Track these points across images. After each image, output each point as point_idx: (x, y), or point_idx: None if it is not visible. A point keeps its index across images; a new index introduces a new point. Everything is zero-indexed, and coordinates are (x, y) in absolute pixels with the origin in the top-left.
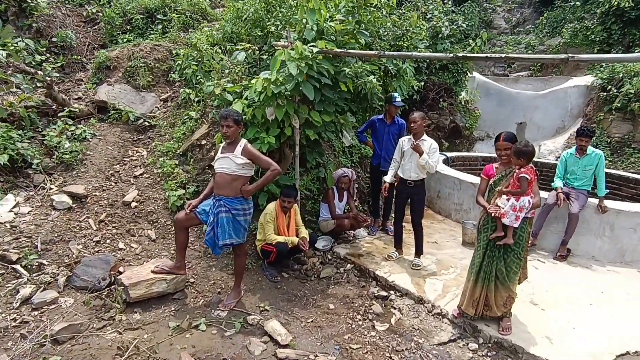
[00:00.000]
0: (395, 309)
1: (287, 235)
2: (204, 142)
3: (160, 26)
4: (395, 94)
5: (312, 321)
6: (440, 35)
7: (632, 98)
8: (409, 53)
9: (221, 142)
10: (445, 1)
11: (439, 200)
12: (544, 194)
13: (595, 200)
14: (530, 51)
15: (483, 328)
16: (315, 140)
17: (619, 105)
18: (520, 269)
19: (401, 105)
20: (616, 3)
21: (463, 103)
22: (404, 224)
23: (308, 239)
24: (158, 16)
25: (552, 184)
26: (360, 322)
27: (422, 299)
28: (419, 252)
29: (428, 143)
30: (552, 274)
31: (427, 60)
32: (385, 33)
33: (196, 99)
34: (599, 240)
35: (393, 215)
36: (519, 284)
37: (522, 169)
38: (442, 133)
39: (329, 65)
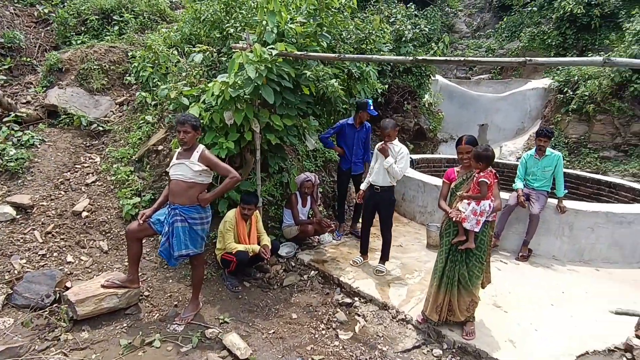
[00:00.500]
0: (359, 316)
1: (248, 243)
2: (160, 147)
3: (116, 27)
4: (370, 101)
5: (273, 332)
6: (403, 39)
7: (587, 100)
8: (370, 56)
9: (177, 148)
10: (408, 5)
11: (404, 203)
12: (505, 195)
13: (555, 201)
14: (490, 54)
15: (447, 333)
16: (277, 144)
17: (575, 107)
18: (482, 273)
19: (375, 115)
20: (569, 9)
21: (427, 106)
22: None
23: (270, 247)
24: (114, 17)
25: (513, 185)
26: (323, 332)
27: (386, 304)
28: (384, 258)
29: (397, 147)
30: (515, 275)
31: (391, 64)
32: (348, 36)
33: (153, 103)
34: (558, 240)
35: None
36: (483, 288)
37: (481, 173)
38: (407, 135)
39: (289, 68)
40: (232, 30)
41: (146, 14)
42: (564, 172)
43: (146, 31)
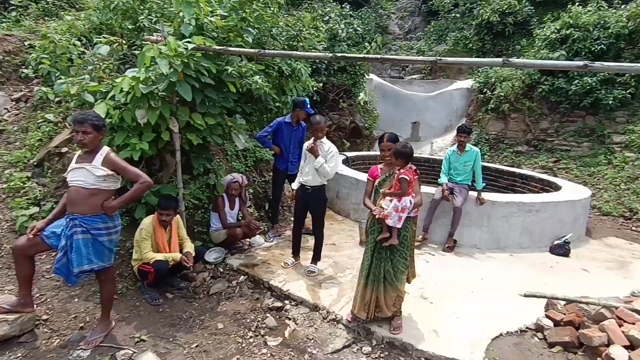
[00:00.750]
0: (290, 319)
1: (168, 251)
2: (64, 149)
3: (14, 13)
4: (307, 99)
5: (197, 346)
6: (337, 38)
7: (503, 100)
8: (290, 52)
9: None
10: (342, 5)
11: (338, 201)
12: (432, 189)
13: (475, 194)
14: (421, 56)
15: (376, 330)
16: (200, 144)
17: (493, 106)
18: (407, 268)
19: (312, 113)
20: (487, 17)
21: (362, 104)
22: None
23: (193, 254)
24: (12, 2)
25: (439, 180)
26: (251, 340)
27: (317, 306)
28: (316, 258)
29: (326, 146)
30: (441, 266)
31: (325, 62)
32: (279, 33)
33: (56, 100)
34: (479, 230)
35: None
36: (408, 282)
37: (401, 170)
38: (343, 133)
39: (209, 64)
40: (145, 22)
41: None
42: (486, 166)
43: (50, 19)
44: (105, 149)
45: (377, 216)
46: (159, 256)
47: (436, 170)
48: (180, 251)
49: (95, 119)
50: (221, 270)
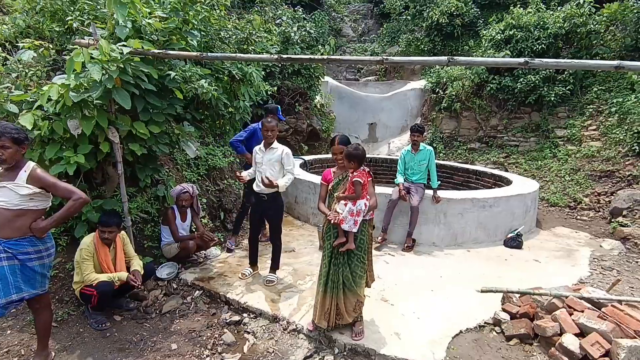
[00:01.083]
0: (249, 333)
1: (113, 271)
2: None
3: None
4: (279, 106)
5: None
6: (290, 41)
7: (454, 99)
8: (233, 55)
9: None
10: (295, 8)
11: (297, 206)
12: (389, 190)
13: (431, 192)
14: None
15: (338, 337)
16: (147, 155)
17: (445, 105)
18: (366, 272)
19: (283, 120)
20: (436, 19)
21: (319, 107)
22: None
23: (142, 272)
24: None
25: (395, 180)
26: (207, 359)
27: (276, 317)
28: (274, 267)
29: (279, 151)
30: (401, 266)
31: (279, 65)
32: (228, 36)
33: None
34: (436, 227)
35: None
36: (368, 287)
37: (354, 173)
38: (301, 137)
39: (150, 69)
40: (76, 24)
41: None
42: (441, 164)
43: None
44: (30, 165)
45: (332, 221)
46: (103, 277)
47: (394, 171)
48: (128, 270)
49: (14, 131)
50: (175, 286)
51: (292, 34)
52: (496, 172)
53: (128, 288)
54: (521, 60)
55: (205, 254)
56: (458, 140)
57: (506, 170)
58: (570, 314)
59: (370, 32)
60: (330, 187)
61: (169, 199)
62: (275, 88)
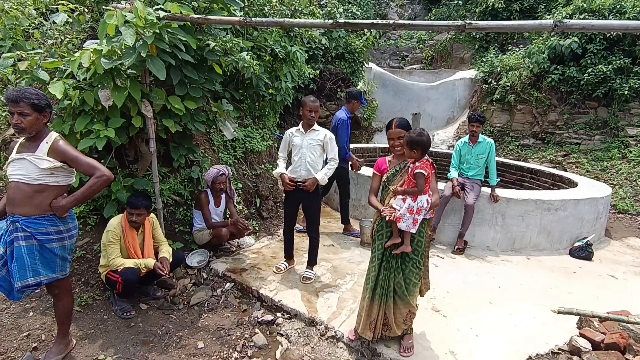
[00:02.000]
0: (282, 336)
1: (141, 256)
2: None
3: None
4: (362, 91)
5: None
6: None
7: (509, 90)
8: (281, 20)
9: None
10: None
11: (337, 197)
12: (440, 185)
13: (488, 190)
14: (421, 45)
15: (383, 351)
16: (181, 133)
17: (498, 97)
18: (420, 280)
19: (365, 104)
20: (491, 4)
21: None
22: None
23: (171, 259)
24: None
25: (448, 175)
26: None
27: (313, 320)
28: (312, 262)
29: (321, 134)
30: (452, 271)
31: (323, 48)
32: (272, 12)
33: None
34: (492, 230)
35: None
36: (421, 296)
37: (417, 163)
38: None
39: (188, 38)
40: None
41: None
42: None
43: None
44: (53, 135)
45: (387, 218)
46: (129, 262)
47: (438, 164)
48: (156, 255)
49: (34, 96)
50: (205, 276)
51: (337, 15)
52: (555, 171)
53: (155, 275)
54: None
55: (238, 242)
56: (510, 135)
57: (565, 170)
58: None
59: (418, 17)
60: (384, 178)
61: (203, 182)
62: (318, 72)
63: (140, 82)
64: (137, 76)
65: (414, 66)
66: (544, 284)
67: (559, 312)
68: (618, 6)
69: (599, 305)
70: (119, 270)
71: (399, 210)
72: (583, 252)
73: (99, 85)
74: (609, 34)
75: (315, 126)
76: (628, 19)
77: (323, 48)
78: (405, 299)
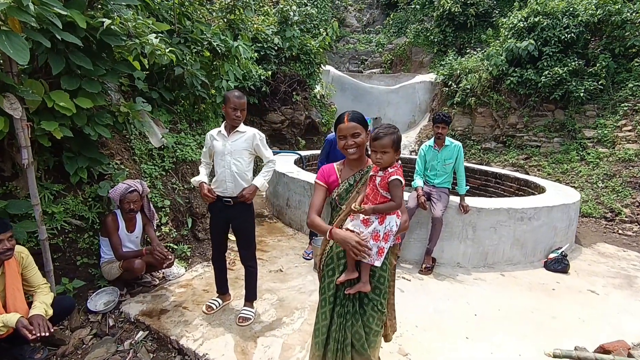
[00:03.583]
0: None
1: (1, 309)
2: None
3: None
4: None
5: None
6: (289, 21)
7: (469, 93)
8: None
9: None
10: None
11: (289, 210)
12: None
13: (456, 199)
14: (380, 49)
15: None
16: (78, 139)
17: (458, 99)
18: (382, 326)
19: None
20: (448, 8)
21: (318, 97)
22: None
23: (50, 312)
24: None
25: (412, 183)
26: None
27: None
28: (250, 298)
29: (248, 135)
30: (420, 296)
31: (276, 48)
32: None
33: None
34: (462, 244)
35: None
36: (387, 341)
37: (389, 169)
38: (298, 130)
39: (73, 12)
40: None
41: None
42: None
43: None
44: None
45: (357, 258)
46: None
47: (404, 172)
48: (29, 306)
49: None
50: (111, 323)
51: (291, 14)
52: (520, 175)
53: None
54: None
55: (164, 273)
56: (472, 139)
57: (527, 174)
58: None
59: (376, 22)
60: (335, 194)
61: (113, 201)
62: (270, 73)
63: (1, 69)
64: None
65: (374, 70)
66: (524, 306)
67: (555, 357)
68: (571, 9)
69: (587, 332)
70: None
71: (360, 235)
72: (559, 265)
73: None
74: (563, 36)
75: (242, 127)
76: (580, 22)
77: (276, 48)
78: (364, 354)
